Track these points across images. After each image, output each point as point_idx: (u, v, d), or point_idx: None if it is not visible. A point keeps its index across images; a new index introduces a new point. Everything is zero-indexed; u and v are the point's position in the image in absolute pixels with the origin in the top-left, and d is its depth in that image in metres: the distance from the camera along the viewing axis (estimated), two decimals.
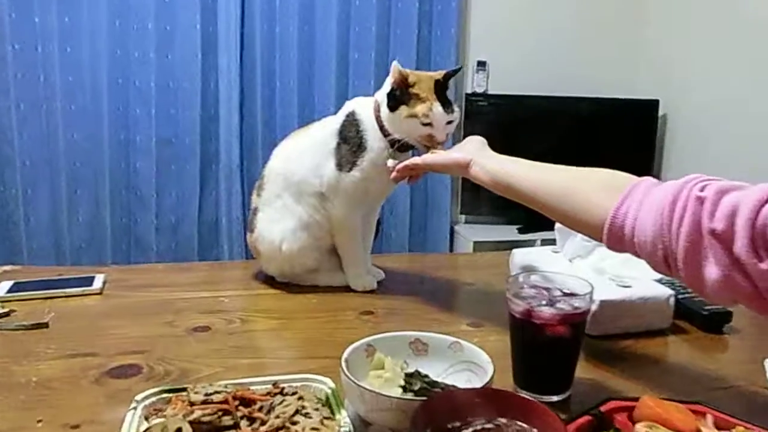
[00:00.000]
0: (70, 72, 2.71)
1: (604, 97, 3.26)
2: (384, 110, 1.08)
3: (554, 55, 3.35)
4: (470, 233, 3.20)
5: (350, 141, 1.11)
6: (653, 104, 3.22)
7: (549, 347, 0.79)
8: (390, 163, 1.08)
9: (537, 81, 3.26)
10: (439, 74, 1.09)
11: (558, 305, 0.79)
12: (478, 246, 3.11)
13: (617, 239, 0.77)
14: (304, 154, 1.16)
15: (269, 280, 1.22)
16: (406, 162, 1.06)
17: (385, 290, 1.20)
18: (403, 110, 1.05)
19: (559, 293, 0.83)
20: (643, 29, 3.39)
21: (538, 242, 3.22)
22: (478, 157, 0.98)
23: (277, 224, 1.17)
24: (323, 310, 1.10)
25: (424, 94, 1.05)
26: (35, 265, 2.88)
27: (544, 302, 0.80)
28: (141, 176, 2.88)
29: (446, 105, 1.06)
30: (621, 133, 3.27)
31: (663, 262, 0.71)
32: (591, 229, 0.81)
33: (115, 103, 2.79)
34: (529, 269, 1.19)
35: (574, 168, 0.89)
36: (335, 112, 1.18)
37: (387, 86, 1.09)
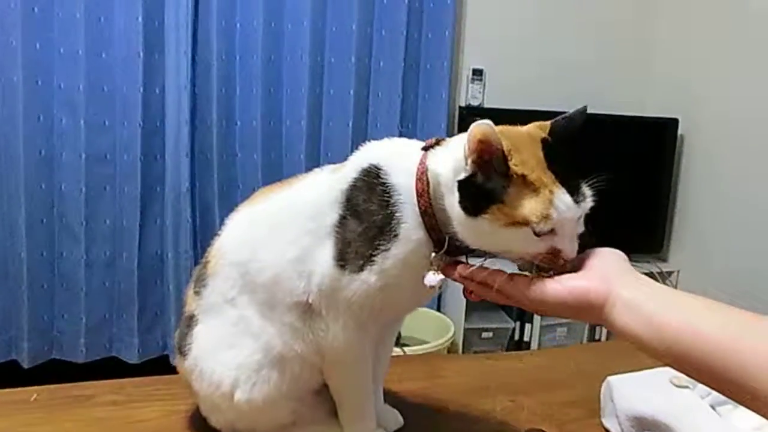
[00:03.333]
0: None
1: (617, 114, 2.83)
2: (452, 206, 0.59)
3: (561, 66, 2.92)
4: None
5: (366, 218, 0.63)
6: (673, 123, 2.81)
7: None
8: (430, 280, 0.61)
9: (540, 94, 2.83)
10: (540, 128, 0.61)
11: None
12: None
13: None
14: (279, 234, 0.67)
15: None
16: (488, 278, 0.59)
17: None
18: (498, 215, 0.56)
19: None
20: (658, 46, 3.01)
21: None
22: (621, 288, 0.52)
23: (228, 353, 0.68)
24: None
25: (534, 175, 0.57)
26: None
27: None
28: (67, 200, 2.34)
29: (573, 190, 0.58)
30: (637, 154, 2.86)
31: None
32: None
33: (34, 110, 2.24)
34: (647, 424, 0.72)
35: None
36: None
37: (455, 161, 0.59)
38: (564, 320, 2.90)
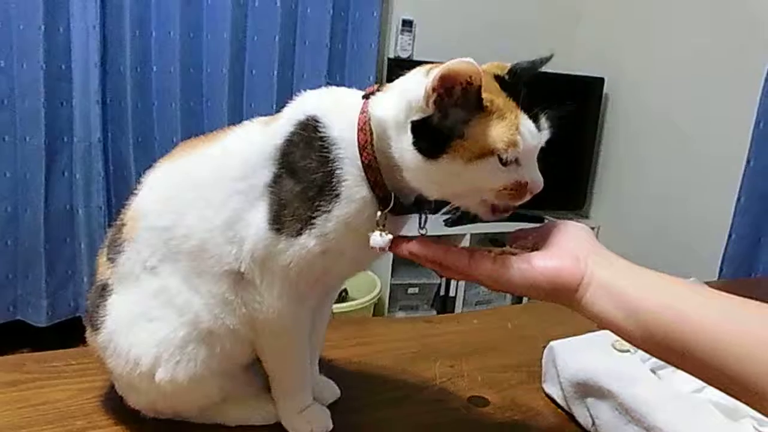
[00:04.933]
0: None
1: (544, 71, 2.82)
2: (402, 152, 0.54)
3: (490, 21, 2.87)
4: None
5: (304, 176, 0.56)
6: (598, 82, 2.85)
7: None
8: (377, 241, 0.55)
9: (469, 49, 2.78)
10: (497, 67, 0.57)
11: None
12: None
13: None
14: (205, 195, 0.60)
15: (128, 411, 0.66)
16: (444, 257, 0.55)
17: (343, 428, 0.68)
18: (461, 151, 0.51)
19: None
20: (587, 6, 3.01)
21: (467, 237, 2.81)
22: (595, 268, 0.50)
23: (147, 327, 0.61)
24: None
25: (499, 101, 0.52)
26: None
27: None
28: None
29: (534, 117, 0.54)
30: (562, 112, 2.88)
31: None
32: None
33: None
34: (589, 389, 0.71)
35: None
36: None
37: (406, 101, 0.53)
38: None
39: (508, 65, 0.58)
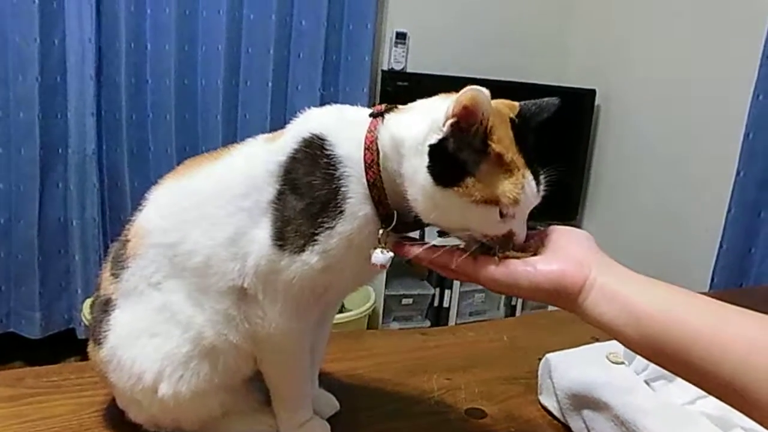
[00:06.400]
0: None
1: (536, 83, 2.86)
2: (414, 173, 0.55)
3: (483, 34, 2.90)
4: None
5: (308, 193, 0.57)
6: (590, 94, 2.88)
7: None
8: (378, 259, 0.57)
9: (463, 61, 2.81)
10: (508, 107, 0.58)
11: None
12: None
13: None
14: (209, 212, 0.61)
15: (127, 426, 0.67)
16: (450, 260, 0.56)
17: None
18: (471, 190, 0.53)
19: None
20: (578, 19, 3.04)
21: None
22: (597, 273, 0.52)
23: (151, 342, 0.61)
24: None
25: (509, 156, 0.53)
26: None
27: None
28: None
29: (536, 177, 0.56)
30: (554, 124, 2.90)
31: None
32: None
33: None
34: (585, 401, 0.72)
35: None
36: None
37: (431, 122, 0.54)
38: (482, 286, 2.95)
39: (517, 105, 0.59)
